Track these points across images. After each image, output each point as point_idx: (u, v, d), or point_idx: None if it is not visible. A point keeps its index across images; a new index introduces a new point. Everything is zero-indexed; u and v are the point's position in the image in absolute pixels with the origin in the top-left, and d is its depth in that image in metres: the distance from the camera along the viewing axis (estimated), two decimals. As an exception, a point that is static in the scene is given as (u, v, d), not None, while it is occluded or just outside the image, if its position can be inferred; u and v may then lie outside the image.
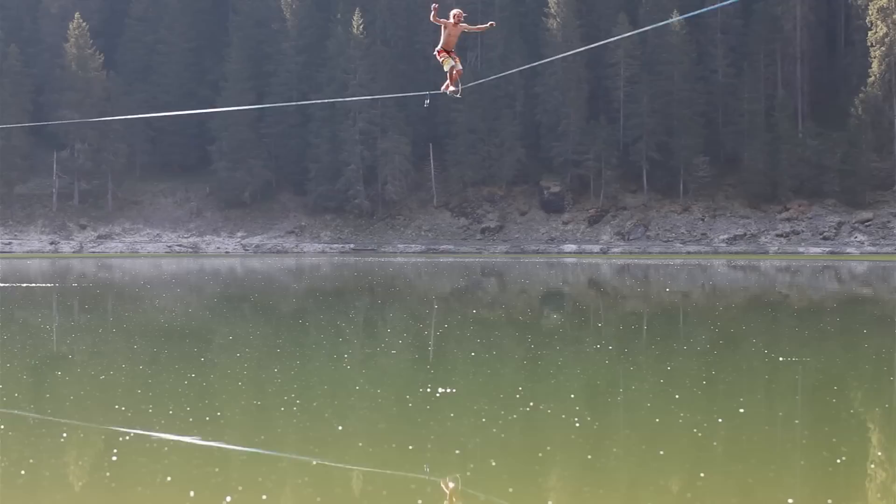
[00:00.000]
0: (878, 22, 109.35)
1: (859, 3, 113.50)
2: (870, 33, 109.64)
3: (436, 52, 25.58)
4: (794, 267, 72.94)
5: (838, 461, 11.00)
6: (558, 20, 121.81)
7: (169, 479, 10.48)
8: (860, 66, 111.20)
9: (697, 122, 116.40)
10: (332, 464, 11.09)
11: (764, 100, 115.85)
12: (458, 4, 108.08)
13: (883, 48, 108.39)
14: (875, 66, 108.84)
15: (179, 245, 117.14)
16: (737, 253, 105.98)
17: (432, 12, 23.45)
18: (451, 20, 23.92)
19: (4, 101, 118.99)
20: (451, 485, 11.23)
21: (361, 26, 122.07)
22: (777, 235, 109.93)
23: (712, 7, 34.86)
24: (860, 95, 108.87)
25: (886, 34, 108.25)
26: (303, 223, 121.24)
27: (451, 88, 26.55)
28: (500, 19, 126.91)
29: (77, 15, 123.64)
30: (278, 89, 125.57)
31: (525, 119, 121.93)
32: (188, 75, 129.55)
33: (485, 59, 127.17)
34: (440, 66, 25.27)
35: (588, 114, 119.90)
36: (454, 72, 25.00)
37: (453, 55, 25.07)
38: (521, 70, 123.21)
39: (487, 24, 24.47)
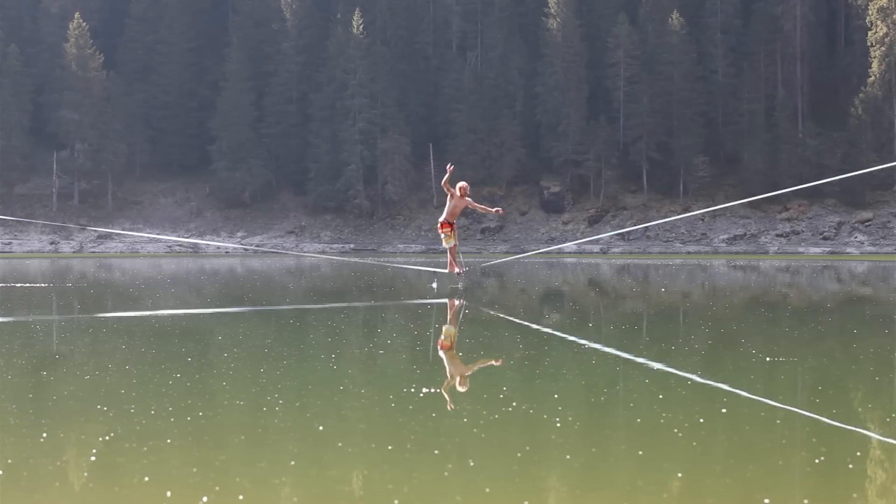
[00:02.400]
0: (878, 22, 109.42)
1: (859, 3, 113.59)
2: (870, 33, 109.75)
3: (438, 225, 26.05)
4: (793, 267, 73.01)
5: (817, 461, 11.00)
6: (558, 20, 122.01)
7: (146, 479, 10.49)
8: (860, 66, 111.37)
9: (697, 122, 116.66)
10: (310, 464, 11.09)
11: (764, 100, 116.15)
12: (458, 5, 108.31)
13: (883, 48, 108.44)
14: (875, 66, 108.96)
15: (179, 245, 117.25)
16: (737, 253, 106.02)
17: (447, 174, 23.92)
18: (458, 192, 24.44)
19: (4, 101, 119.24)
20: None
21: (361, 26, 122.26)
22: (777, 235, 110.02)
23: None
24: (860, 95, 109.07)
25: (886, 34, 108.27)
26: (303, 223, 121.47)
27: (457, 271, 27.18)
28: (500, 19, 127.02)
29: (77, 15, 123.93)
30: (278, 89, 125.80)
31: (525, 119, 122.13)
32: (188, 75, 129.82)
33: (485, 59, 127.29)
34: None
35: (588, 114, 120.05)
36: (453, 251, 25.53)
37: (454, 230, 25.62)
38: (520, 71, 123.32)
39: (494, 210, 25.07)
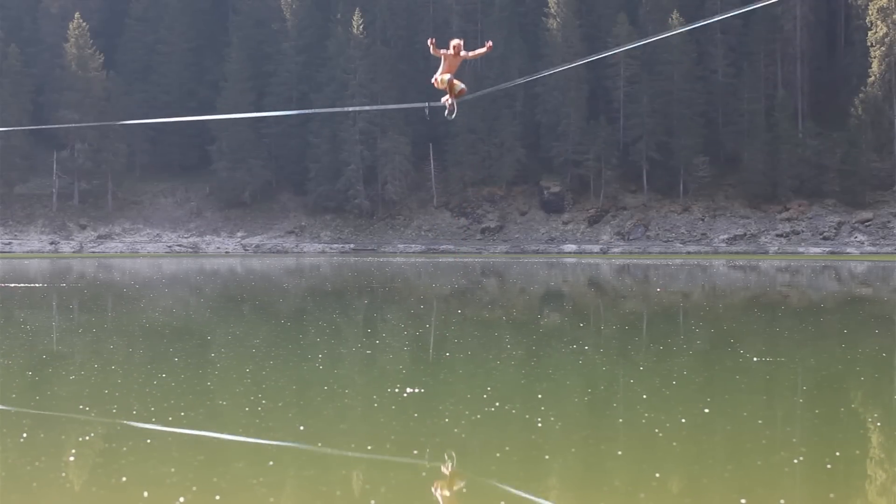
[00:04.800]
0: (878, 22, 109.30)
1: (859, 3, 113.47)
2: (870, 33, 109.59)
3: (433, 81, 25.59)
4: (793, 267, 72.90)
5: (795, 461, 10.97)
6: (558, 20, 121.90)
7: (124, 479, 10.47)
8: (860, 66, 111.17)
9: (697, 122, 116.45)
10: (288, 464, 11.07)
11: (764, 100, 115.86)
12: (458, 5, 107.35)
13: (883, 48, 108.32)
14: (875, 66, 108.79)
15: (179, 245, 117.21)
16: (737, 253, 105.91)
17: (431, 47, 23.44)
18: (451, 51, 23.96)
19: (4, 101, 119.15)
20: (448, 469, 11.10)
21: (361, 26, 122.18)
22: (777, 235, 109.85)
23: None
24: (860, 95, 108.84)
25: (886, 34, 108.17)
26: (303, 223, 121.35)
27: (449, 101, 26.64)
28: (500, 19, 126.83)
29: (77, 15, 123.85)
30: (278, 89, 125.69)
31: (525, 119, 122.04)
32: (188, 75, 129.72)
33: (485, 59, 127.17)
34: (440, 81, 25.24)
35: (588, 114, 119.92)
36: (457, 89, 25.00)
37: (452, 78, 25.10)
38: (520, 71, 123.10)
39: (486, 48, 24.40)
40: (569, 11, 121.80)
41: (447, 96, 26.80)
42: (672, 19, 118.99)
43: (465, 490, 10.08)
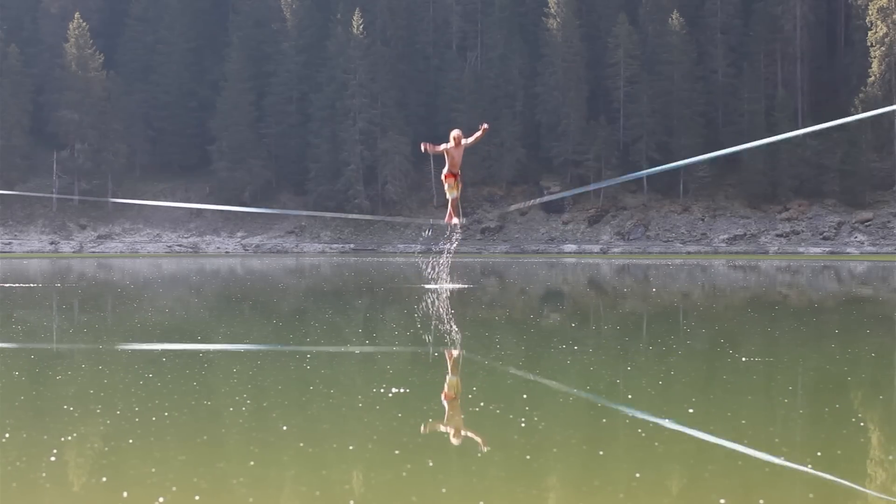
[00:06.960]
0: (878, 22, 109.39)
1: (859, 3, 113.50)
2: (870, 33, 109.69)
3: (443, 177, 26.04)
4: (793, 267, 72.91)
5: (777, 461, 10.95)
6: (558, 20, 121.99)
7: (104, 479, 10.45)
8: (860, 66, 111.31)
9: (697, 122, 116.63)
10: (269, 464, 11.05)
11: (764, 100, 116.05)
12: (458, 5, 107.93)
13: (883, 48, 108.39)
14: (875, 66, 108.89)
15: (179, 245, 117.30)
16: (737, 253, 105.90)
17: (427, 148, 23.78)
18: (451, 143, 24.24)
19: (4, 101, 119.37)
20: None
21: (361, 26, 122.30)
22: (777, 235, 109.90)
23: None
24: (860, 95, 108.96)
25: (886, 34, 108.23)
26: (303, 223, 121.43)
27: (455, 221, 27.24)
28: (500, 19, 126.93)
29: (77, 15, 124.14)
30: (278, 89, 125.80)
31: (525, 119, 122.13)
32: (188, 75, 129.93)
33: (485, 59, 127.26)
34: (442, 168, 25.77)
35: (588, 114, 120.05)
36: (455, 202, 25.56)
37: (458, 180, 25.70)
38: (520, 71, 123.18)
39: (481, 130, 25.04)
40: (569, 11, 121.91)
41: (449, 214, 27.53)
42: (672, 19, 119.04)
43: (444, 490, 10.08)
